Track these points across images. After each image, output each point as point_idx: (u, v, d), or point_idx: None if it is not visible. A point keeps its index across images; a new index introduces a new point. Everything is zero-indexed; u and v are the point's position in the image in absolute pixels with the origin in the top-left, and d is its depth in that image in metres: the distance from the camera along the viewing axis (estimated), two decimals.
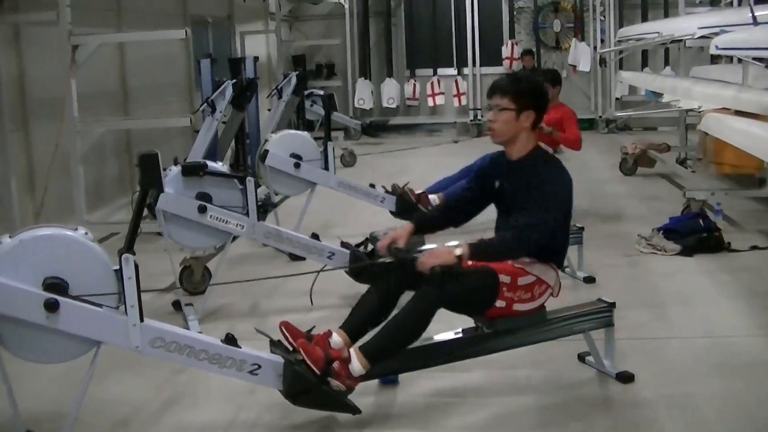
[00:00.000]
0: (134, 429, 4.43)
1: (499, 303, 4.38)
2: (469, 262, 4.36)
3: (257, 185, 6.27)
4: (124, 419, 4.51)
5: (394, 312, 4.42)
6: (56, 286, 3.81)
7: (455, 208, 5.06)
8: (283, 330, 4.26)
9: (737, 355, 5.11)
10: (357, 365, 4.15)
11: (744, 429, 4.22)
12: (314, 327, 4.37)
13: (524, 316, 4.51)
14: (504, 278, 4.37)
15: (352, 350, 4.20)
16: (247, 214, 6.06)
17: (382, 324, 4.36)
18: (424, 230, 4.90)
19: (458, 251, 4.25)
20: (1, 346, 3.83)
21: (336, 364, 4.10)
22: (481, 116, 17.24)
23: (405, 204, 7.96)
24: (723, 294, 6.30)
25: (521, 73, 4.91)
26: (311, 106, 14.93)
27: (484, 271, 4.39)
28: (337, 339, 4.30)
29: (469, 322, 4.66)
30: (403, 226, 4.76)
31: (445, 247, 4.33)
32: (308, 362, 4.07)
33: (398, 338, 4.27)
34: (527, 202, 4.44)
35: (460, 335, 4.55)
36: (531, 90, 4.63)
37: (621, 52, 14.19)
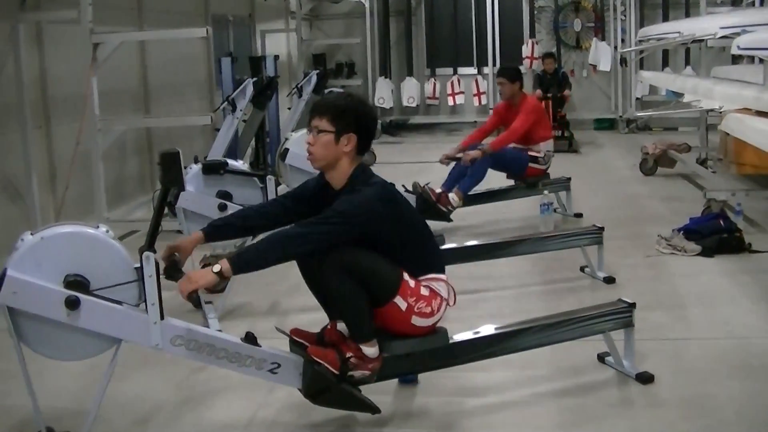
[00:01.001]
0: (154, 427, 4.44)
1: (401, 303, 4.14)
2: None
3: (277, 183, 6.28)
4: (144, 417, 4.53)
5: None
6: (77, 283, 3.83)
7: (258, 217, 4.50)
8: (294, 337, 4.26)
9: (758, 356, 5.08)
10: (367, 348, 4.14)
11: (764, 431, 4.19)
12: (329, 324, 4.36)
13: (420, 337, 4.28)
14: (409, 280, 4.18)
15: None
16: None
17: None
18: (216, 239, 4.51)
19: (216, 268, 3.92)
20: (22, 342, 3.85)
21: (352, 358, 4.10)
22: None
23: (425, 203, 7.96)
24: (744, 295, 6.27)
25: (345, 93, 4.49)
26: None
27: (388, 262, 4.17)
28: (343, 326, 4.25)
29: (487, 321, 4.65)
30: (191, 235, 4.39)
31: (204, 269, 4.02)
32: (326, 365, 4.08)
33: (357, 310, 4.12)
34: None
35: (480, 335, 4.54)
36: (351, 111, 4.22)
37: (641, 51, 14.13)
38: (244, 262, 4.02)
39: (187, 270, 4.12)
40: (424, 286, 4.24)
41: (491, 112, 10.02)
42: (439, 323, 4.35)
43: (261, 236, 4.32)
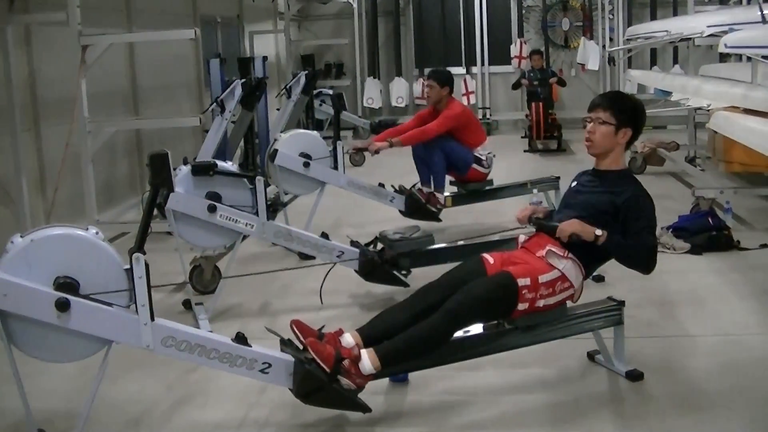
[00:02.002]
0: (146, 428, 4.45)
1: (522, 306, 4.40)
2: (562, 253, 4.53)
3: (267, 185, 6.28)
4: (136, 418, 4.53)
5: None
6: (67, 285, 3.83)
7: None
8: (295, 328, 4.26)
9: (747, 353, 5.11)
10: (368, 364, 4.15)
11: (755, 427, 4.22)
12: (324, 326, 4.37)
13: (544, 312, 4.52)
14: (523, 281, 4.39)
15: (363, 350, 4.20)
16: (256, 213, 6.08)
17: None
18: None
19: (599, 232, 4.43)
20: (13, 344, 3.84)
21: (346, 362, 4.10)
22: (490, 115, 17.24)
23: (415, 204, 7.98)
24: (733, 292, 6.30)
25: (625, 93, 5.06)
26: (320, 105, 14.98)
27: (503, 278, 4.41)
28: (349, 339, 4.30)
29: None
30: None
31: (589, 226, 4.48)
32: (318, 360, 4.08)
33: (416, 348, 4.28)
34: (628, 213, 4.62)
35: (469, 334, 4.55)
36: (633, 109, 4.78)
37: (630, 50, 14.17)
38: (615, 246, 4.57)
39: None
40: (551, 270, 4.51)
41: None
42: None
43: None
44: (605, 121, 4.73)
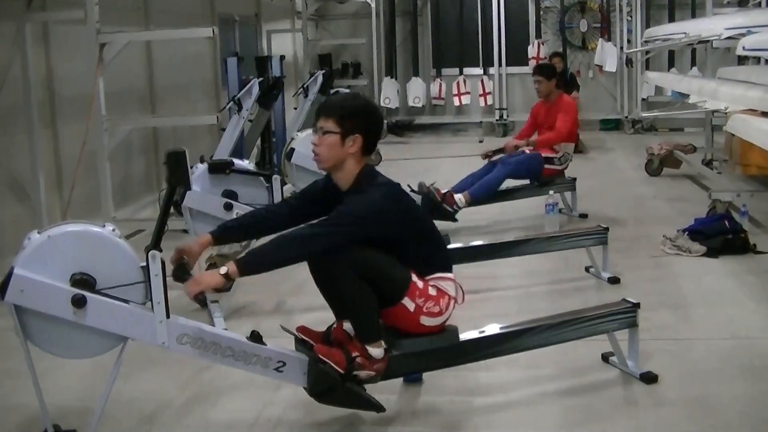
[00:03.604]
0: (160, 425, 4.46)
1: (409, 304, 4.18)
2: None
3: (283, 183, 6.30)
4: (150, 415, 4.55)
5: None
6: (84, 281, 3.85)
7: (269, 218, 4.48)
8: (301, 335, 4.28)
9: (762, 356, 5.09)
10: (373, 349, 4.16)
11: None
12: (335, 323, 4.38)
13: (429, 336, 4.31)
14: (417, 281, 4.20)
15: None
16: None
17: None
18: (225, 241, 4.54)
19: (223, 270, 3.96)
20: (28, 340, 3.86)
21: (359, 358, 4.12)
22: (507, 116, 17.21)
23: (431, 203, 7.97)
24: (749, 296, 6.28)
25: (351, 94, 4.53)
26: None
27: (396, 262, 4.20)
28: (349, 326, 4.28)
29: (492, 321, 4.66)
30: (199, 237, 4.35)
31: (211, 271, 4.08)
32: (332, 364, 4.09)
33: (365, 311, 4.15)
34: None
35: (485, 334, 4.55)
36: (357, 112, 4.23)
37: (647, 52, 14.13)
38: (251, 264, 4.05)
39: (195, 272, 4.14)
40: (432, 285, 4.26)
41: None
42: (448, 322, 4.38)
43: (264, 239, 4.34)
44: (329, 131, 4.19)
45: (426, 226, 4.40)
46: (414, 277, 4.21)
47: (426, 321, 4.24)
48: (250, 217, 4.59)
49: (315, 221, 4.18)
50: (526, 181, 8.92)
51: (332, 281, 4.16)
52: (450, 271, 4.41)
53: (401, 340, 4.29)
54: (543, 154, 8.73)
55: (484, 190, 8.40)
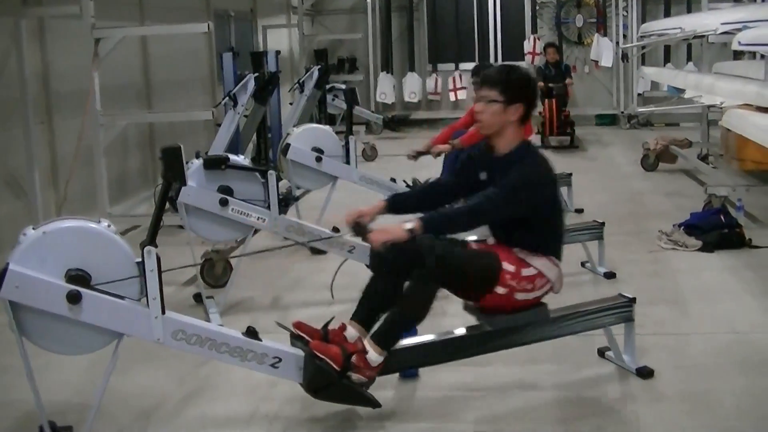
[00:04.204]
0: (156, 421, 4.45)
1: (501, 290, 4.30)
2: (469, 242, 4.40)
3: (279, 179, 6.29)
4: (146, 411, 4.54)
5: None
6: (79, 277, 3.84)
7: (434, 193, 4.76)
8: (298, 331, 4.28)
9: (760, 351, 5.09)
10: (374, 355, 4.15)
11: (766, 426, 4.20)
12: (333, 318, 4.39)
13: (523, 308, 4.44)
14: (508, 266, 4.30)
15: (366, 341, 4.21)
16: (268, 207, 6.09)
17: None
18: (397, 210, 4.64)
19: (409, 225, 4.14)
20: (24, 337, 3.85)
21: (355, 358, 4.11)
22: None
23: None
24: (745, 290, 6.28)
25: (511, 65, 4.69)
26: (333, 100, 14.96)
27: (488, 254, 4.38)
28: (352, 332, 4.30)
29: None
30: (376, 203, 4.60)
31: (395, 224, 4.21)
32: (327, 360, 4.09)
33: (406, 321, 4.27)
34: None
35: (481, 330, 4.54)
36: (520, 82, 4.47)
37: (643, 47, 14.15)
38: (434, 225, 4.24)
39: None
40: (533, 266, 4.38)
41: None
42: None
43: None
44: (493, 100, 4.40)
45: (561, 210, 4.60)
46: (505, 264, 4.31)
47: (520, 296, 4.38)
48: (419, 191, 5.07)
49: (487, 192, 4.31)
50: None
51: (409, 282, 4.27)
52: (559, 258, 4.55)
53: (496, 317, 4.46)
54: None
55: None
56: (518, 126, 4.45)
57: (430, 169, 8.40)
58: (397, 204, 4.65)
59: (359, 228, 4.38)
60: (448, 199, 4.70)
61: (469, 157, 4.72)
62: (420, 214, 4.30)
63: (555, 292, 4.54)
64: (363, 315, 4.38)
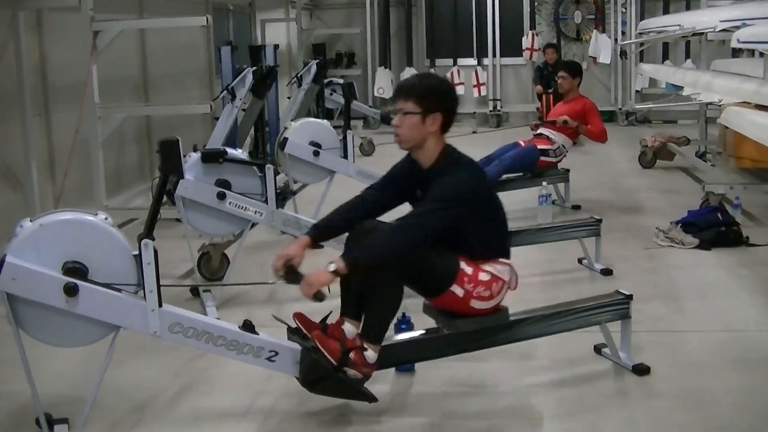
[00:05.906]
0: (151, 413, 4.45)
1: (458, 290, 4.23)
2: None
3: (276, 173, 6.29)
4: (141, 404, 4.54)
5: None
6: (76, 270, 3.84)
7: (360, 210, 4.52)
8: (297, 321, 4.27)
9: (755, 349, 5.10)
10: (371, 353, 4.16)
11: (762, 424, 4.20)
12: (331, 313, 4.38)
13: (481, 316, 4.38)
14: (465, 267, 4.25)
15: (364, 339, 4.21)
16: (266, 201, 6.09)
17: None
18: (323, 239, 4.54)
19: (331, 267, 4.01)
20: (20, 329, 3.85)
21: (352, 354, 4.11)
22: (501, 107, 17.21)
23: None
24: (741, 288, 6.29)
25: (426, 73, 4.60)
26: (331, 94, 14.96)
27: (447, 254, 4.28)
28: (350, 328, 4.28)
29: None
30: (298, 240, 4.42)
31: (318, 270, 4.07)
32: (325, 353, 4.09)
33: (385, 315, 4.22)
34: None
35: (477, 325, 4.53)
36: (436, 91, 4.32)
37: (642, 44, 14.13)
38: (360, 260, 4.09)
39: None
40: (486, 270, 4.32)
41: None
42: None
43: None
44: (409, 112, 4.25)
45: (500, 207, 4.47)
46: (463, 264, 4.26)
47: (476, 304, 4.32)
48: (341, 212, 4.54)
49: (412, 212, 4.25)
50: (519, 173, 8.91)
51: (372, 279, 4.18)
52: (508, 256, 4.48)
53: (455, 320, 4.39)
54: (539, 146, 8.75)
55: (498, 169, 8.44)
56: (439, 136, 4.31)
57: None
58: (321, 235, 4.49)
59: (291, 275, 4.23)
60: (375, 211, 4.52)
61: (406, 166, 4.54)
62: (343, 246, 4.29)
63: (512, 289, 4.50)
64: (352, 309, 4.34)
